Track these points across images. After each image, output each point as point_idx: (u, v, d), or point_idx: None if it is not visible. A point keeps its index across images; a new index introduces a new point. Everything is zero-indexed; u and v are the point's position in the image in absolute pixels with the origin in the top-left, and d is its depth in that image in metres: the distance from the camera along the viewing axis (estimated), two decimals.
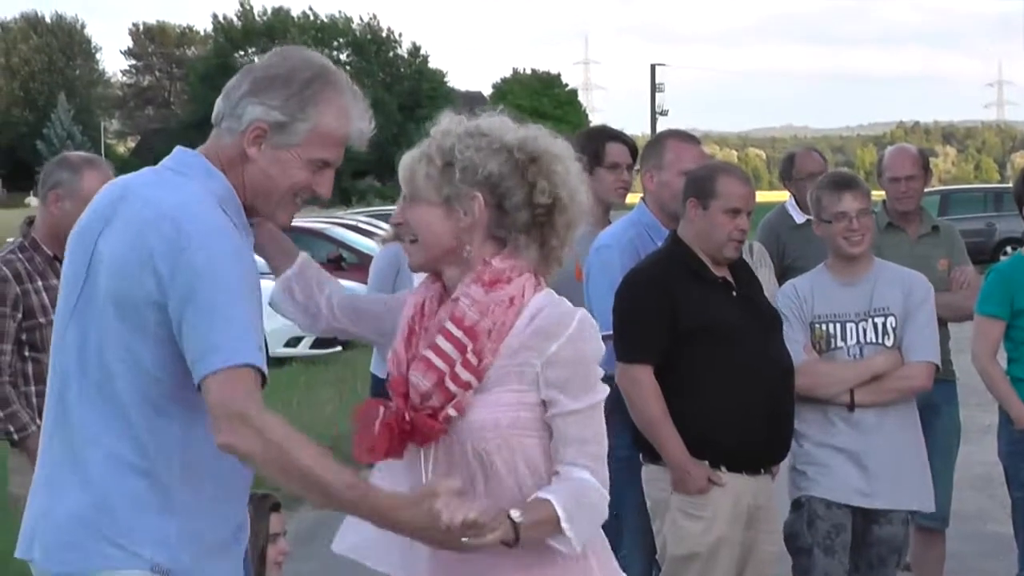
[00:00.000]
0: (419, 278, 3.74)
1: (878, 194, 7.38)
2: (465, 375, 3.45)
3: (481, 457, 3.48)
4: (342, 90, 3.49)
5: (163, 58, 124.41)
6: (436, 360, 3.48)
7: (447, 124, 3.57)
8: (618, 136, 6.89)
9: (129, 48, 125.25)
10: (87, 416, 3.37)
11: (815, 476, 5.95)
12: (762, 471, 5.65)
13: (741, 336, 5.55)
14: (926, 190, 7.67)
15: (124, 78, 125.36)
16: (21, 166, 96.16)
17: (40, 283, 5.87)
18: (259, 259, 3.64)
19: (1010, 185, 19.52)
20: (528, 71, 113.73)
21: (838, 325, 6.00)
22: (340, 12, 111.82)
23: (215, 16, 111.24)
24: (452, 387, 3.46)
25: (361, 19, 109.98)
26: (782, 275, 7.05)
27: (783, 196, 8.54)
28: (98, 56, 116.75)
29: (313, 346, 19.96)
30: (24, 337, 5.85)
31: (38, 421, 5.60)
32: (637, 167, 6.78)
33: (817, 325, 6.01)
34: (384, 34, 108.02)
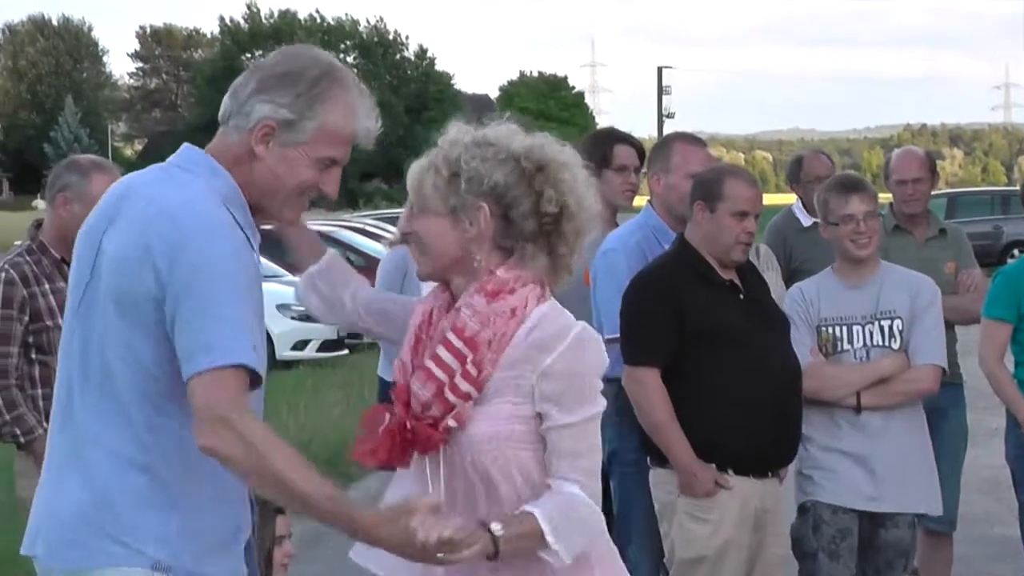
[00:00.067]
0: (428, 284, 3.75)
1: (885, 197, 7.38)
2: (464, 386, 3.46)
3: (479, 468, 3.49)
4: (349, 88, 3.49)
5: (170, 61, 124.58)
6: (436, 370, 3.49)
7: (454, 134, 3.58)
8: (626, 139, 6.88)
9: (136, 51, 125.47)
10: (89, 415, 3.38)
11: (820, 481, 5.95)
12: (769, 474, 5.65)
13: (748, 339, 5.54)
14: (933, 193, 7.67)
15: (131, 81, 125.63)
16: (28, 169, 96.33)
17: (47, 286, 5.87)
18: (267, 263, 3.65)
19: (1017, 188, 19.53)
20: (535, 74, 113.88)
21: (844, 328, 5.99)
22: (347, 14, 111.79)
23: (222, 19, 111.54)
24: (451, 398, 3.47)
25: (368, 22, 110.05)
26: (789, 278, 7.04)
27: (790, 199, 8.55)
28: (105, 59, 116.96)
29: (320, 349, 19.98)
30: (31, 340, 5.85)
31: (45, 424, 5.61)
32: (644, 170, 6.78)
33: (824, 328, 6.01)
34: (391, 37, 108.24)
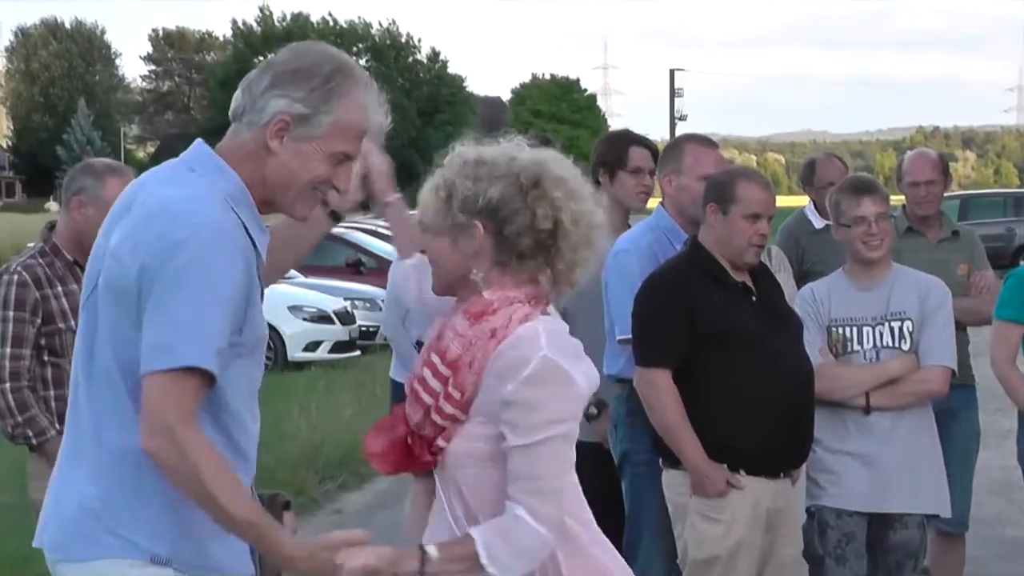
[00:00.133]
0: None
1: (898, 199, 7.38)
2: (449, 408, 3.50)
3: (459, 484, 3.55)
4: (362, 83, 3.53)
5: (183, 63, 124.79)
6: (422, 393, 3.55)
7: (453, 154, 3.62)
8: (641, 141, 6.89)
9: (149, 54, 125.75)
10: (91, 409, 3.44)
11: (825, 485, 5.95)
12: (781, 475, 5.65)
13: (760, 341, 5.55)
14: (946, 195, 7.66)
15: (144, 83, 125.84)
16: (41, 171, 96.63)
17: (60, 288, 5.89)
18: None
19: None
20: (547, 76, 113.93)
21: (855, 329, 5.99)
22: (359, 17, 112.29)
23: (235, 22, 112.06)
24: (438, 420, 3.51)
25: (380, 24, 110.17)
26: (800, 280, 7.04)
27: (802, 201, 8.55)
28: (118, 62, 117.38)
29: (332, 350, 20.00)
30: (43, 342, 5.87)
31: (57, 426, 5.63)
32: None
33: (834, 328, 6.01)
34: (403, 39, 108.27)
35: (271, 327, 18.23)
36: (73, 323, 5.45)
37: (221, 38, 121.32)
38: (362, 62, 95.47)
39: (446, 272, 3.60)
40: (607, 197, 6.75)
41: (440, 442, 3.52)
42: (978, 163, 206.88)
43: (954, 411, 6.84)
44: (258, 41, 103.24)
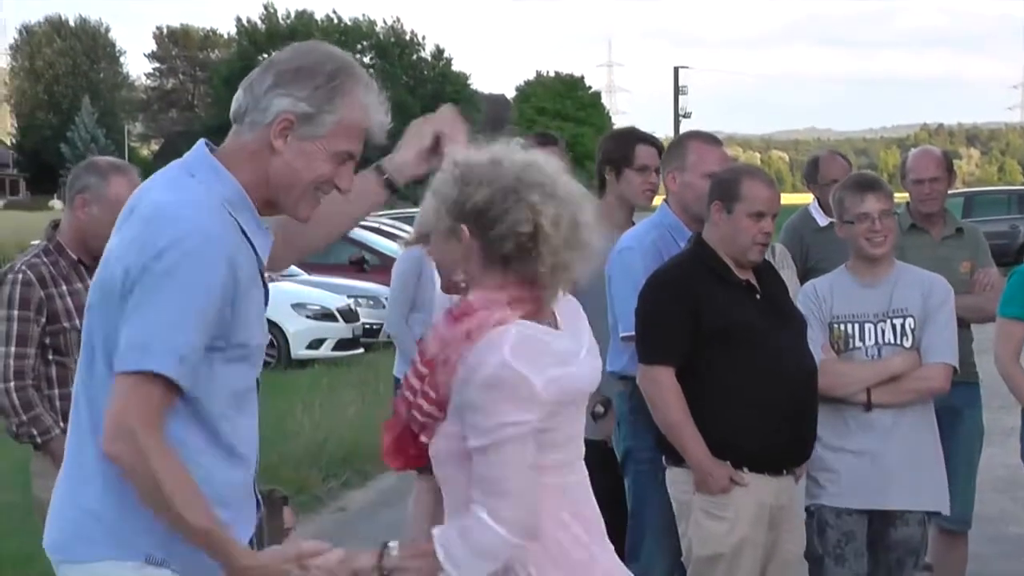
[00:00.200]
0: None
1: (901, 196, 7.37)
2: (427, 407, 3.53)
3: (443, 484, 3.60)
4: (363, 83, 3.54)
5: (187, 61, 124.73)
6: (406, 391, 3.58)
7: (446, 159, 3.65)
8: (647, 138, 6.89)
9: (153, 51, 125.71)
10: (90, 410, 3.44)
11: (825, 483, 5.95)
12: (784, 472, 5.65)
13: (763, 339, 5.55)
14: (950, 192, 7.66)
15: (148, 81, 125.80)
16: (45, 169, 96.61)
17: (64, 287, 5.88)
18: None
19: None
20: (551, 74, 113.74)
21: (857, 325, 5.99)
22: (364, 15, 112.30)
23: (239, 19, 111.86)
24: (418, 417, 3.55)
25: (385, 22, 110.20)
26: (804, 277, 7.03)
27: (806, 198, 8.55)
28: (122, 59, 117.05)
29: (335, 348, 19.99)
30: (48, 341, 5.86)
31: (61, 424, 5.62)
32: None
33: (836, 325, 6.01)
34: (408, 37, 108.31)
35: (274, 325, 18.30)
36: (78, 322, 5.46)
37: (225, 35, 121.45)
38: (366, 60, 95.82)
39: (447, 272, 3.64)
40: (613, 195, 6.77)
41: (423, 439, 3.56)
42: (982, 160, 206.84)
43: (958, 409, 6.84)
44: (262, 38, 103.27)
